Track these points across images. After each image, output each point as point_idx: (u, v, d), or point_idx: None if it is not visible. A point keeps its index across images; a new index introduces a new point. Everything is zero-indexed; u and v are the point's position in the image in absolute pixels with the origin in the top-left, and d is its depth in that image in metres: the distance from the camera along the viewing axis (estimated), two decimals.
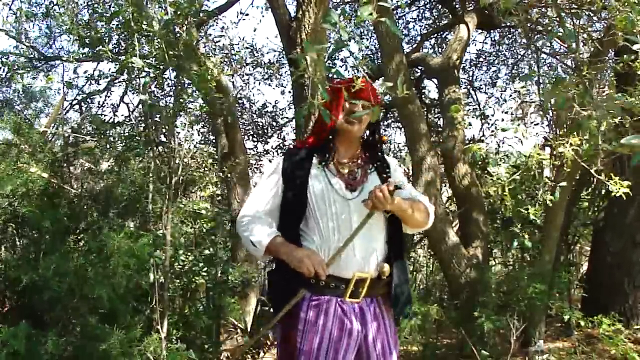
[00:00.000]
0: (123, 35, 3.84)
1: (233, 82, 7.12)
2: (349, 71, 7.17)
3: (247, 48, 7.21)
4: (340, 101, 2.01)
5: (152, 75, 3.37)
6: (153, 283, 3.32)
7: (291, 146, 2.11)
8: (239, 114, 7.03)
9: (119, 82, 5.55)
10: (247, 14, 6.95)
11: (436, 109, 7.21)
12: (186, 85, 3.62)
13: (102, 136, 4.59)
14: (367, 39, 7.26)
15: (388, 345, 2.03)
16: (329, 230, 1.96)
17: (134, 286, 3.29)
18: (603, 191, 3.14)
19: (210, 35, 6.63)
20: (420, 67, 6.53)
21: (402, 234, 2.12)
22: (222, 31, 6.95)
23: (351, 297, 1.97)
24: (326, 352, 1.92)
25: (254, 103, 7.64)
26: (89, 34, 3.67)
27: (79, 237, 3.67)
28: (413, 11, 7.47)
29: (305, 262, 1.89)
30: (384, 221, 2.06)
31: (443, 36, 7.46)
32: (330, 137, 2.07)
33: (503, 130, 4.23)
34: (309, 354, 1.92)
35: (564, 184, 3.95)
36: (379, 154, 2.15)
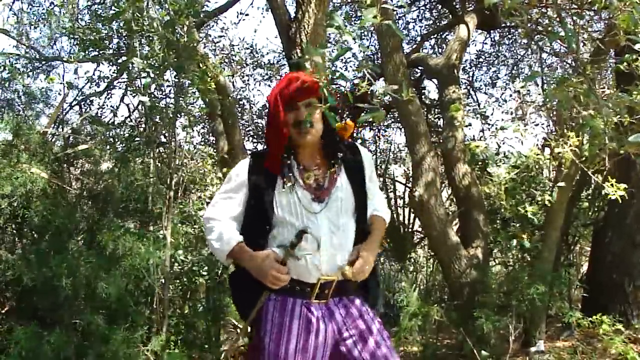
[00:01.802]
0: (124, 36, 3.84)
1: (233, 83, 7.12)
2: (350, 72, 7.17)
3: (247, 49, 7.21)
4: (281, 115, 1.97)
5: (152, 76, 3.37)
6: (154, 284, 3.32)
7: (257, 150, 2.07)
8: (239, 114, 7.02)
9: (119, 83, 5.55)
10: (247, 15, 6.92)
11: (436, 109, 7.21)
12: (186, 86, 3.62)
13: (102, 137, 4.59)
14: (367, 39, 7.27)
15: (375, 342, 1.99)
16: (302, 247, 1.93)
17: (136, 287, 3.30)
18: (603, 192, 3.15)
19: (210, 35, 6.64)
20: (420, 68, 6.53)
21: (366, 228, 2.11)
22: (222, 32, 6.95)
23: (318, 298, 1.96)
24: (294, 352, 1.91)
25: (254, 104, 7.64)
26: (89, 36, 3.67)
27: (79, 238, 3.67)
28: (413, 11, 7.47)
29: (265, 276, 1.89)
30: (353, 224, 2.05)
31: (443, 36, 7.46)
32: (286, 154, 2.02)
33: (502, 129, 4.24)
34: (277, 355, 1.91)
35: (562, 184, 3.95)
36: (342, 147, 2.08)
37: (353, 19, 6.31)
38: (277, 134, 2.00)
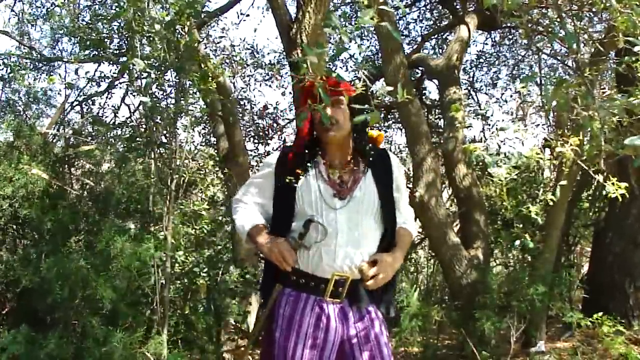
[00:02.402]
0: (124, 36, 3.85)
1: (234, 83, 7.13)
2: (349, 72, 7.18)
3: (248, 49, 7.21)
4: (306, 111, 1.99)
5: (153, 76, 3.37)
6: (154, 284, 3.32)
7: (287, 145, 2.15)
8: (240, 115, 7.03)
9: (120, 83, 5.56)
10: (247, 15, 6.92)
11: (437, 110, 7.21)
12: (187, 86, 3.63)
13: (103, 137, 4.59)
14: (368, 40, 7.27)
15: (379, 349, 1.99)
16: (312, 236, 1.95)
17: (135, 288, 3.30)
18: (604, 192, 3.15)
19: (210, 36, 6.64)
20: (421, 68, 6.53)
21: (393, 239, 2.11)
22: (222, 32, 6.96)
23: (332, 297, 1.97)
24: (303, 347, 1.93)
25: (254, 104, 7.64)
26: (90, 35, 3.68)
27: (79, 239, 3.67)
28: (414, 12, 7.47)
29: (274, 251, 1.92)
30: (379, 225, 2.05)
31: (444, 37, 7.46)
32: (310, 146, 2.06)
33: (502, 129, 4.23)
34: (286, 349, 1.94)
35: (563, 183, 3.95)
36: (371, 153, 2.10)
37: (353, 19, 6.30)
38: (299, 129, 2.07)
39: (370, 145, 2.13)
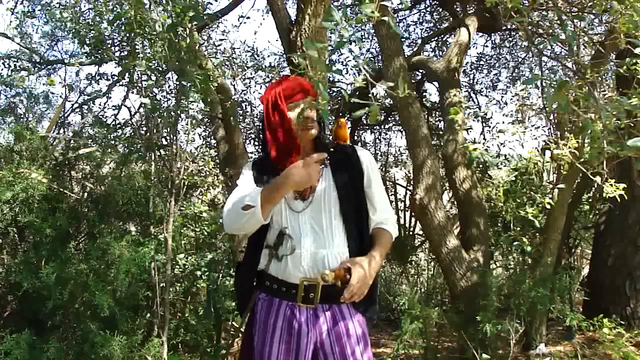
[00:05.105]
0: (126, 38, 3.85)
1: (234, 86, 7.13)
2: (350, 74, 7.18)
3: (248, 51, 7.23)
4: (285, 113, 1.96)
5: (154, 78, 3.37)
6: (154, 287, 3.32)
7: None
8: (240, 117, 7.03)
9: (121, 85, 5.55)
10: (248, 18, 6.92)
11: (437, 113, 7.22)
12: (188, 87, 3.62)
13: (104, 139, 4.59)
14: (368, 42, 7.28)
15: (352, 351, 1.95)
16: (284, 248, 1.94)
17: (135, 291, 3.30)
18: (603, 194, 3.17)
19: (211, 38, 6.65)
20: (421, 71, 6.53)
21: (367, 239, 2.03)
22: (223, 35, 6.98)
23: (305, 302, 1.94)
24: (277, 353, 1.94)
25: (255, 107, 7.64)
26: (91, 36, 3.68)
27: (79, 243, 3.67)
28: (414, 14, 7.49)
29: (299, 172, 1.84)
30: (343, 227, 1.98)
31: (444, 39, 7.47)
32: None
33: (501, 131, 4.24)
34: (262, 353, 1.95)
35: (562, 186, 3.95)
36: (334, 147, 2.07)
37: (353, 18, 6.30)
38: (286, 130, 1.97)
39: (336, 142, 2.13)
